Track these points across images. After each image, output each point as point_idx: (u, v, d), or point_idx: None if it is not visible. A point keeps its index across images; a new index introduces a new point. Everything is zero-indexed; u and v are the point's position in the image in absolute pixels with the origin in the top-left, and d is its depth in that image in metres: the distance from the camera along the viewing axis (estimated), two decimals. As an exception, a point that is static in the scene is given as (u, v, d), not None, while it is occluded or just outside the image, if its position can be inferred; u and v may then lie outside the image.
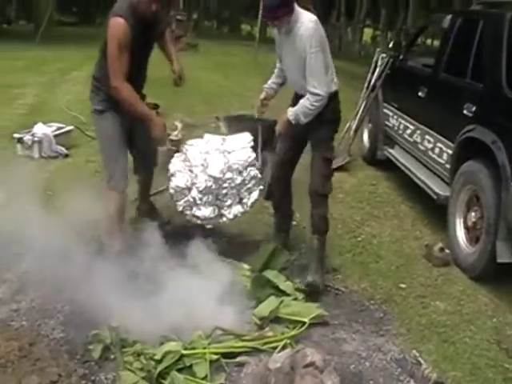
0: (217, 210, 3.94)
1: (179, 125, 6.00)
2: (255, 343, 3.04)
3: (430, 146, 5.31)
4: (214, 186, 3.85)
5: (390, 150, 6.55)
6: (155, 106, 7.90)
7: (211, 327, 3.07)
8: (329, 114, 3.73)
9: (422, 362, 3.01)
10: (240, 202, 3.98)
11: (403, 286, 3.99)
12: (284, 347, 3.04)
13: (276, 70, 4.10)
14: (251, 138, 4.10)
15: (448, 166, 4.84)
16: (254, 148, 5.64)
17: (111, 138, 3.81)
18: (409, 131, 5.98)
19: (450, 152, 4.77)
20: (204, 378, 2.76)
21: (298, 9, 3.59)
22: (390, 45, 7.60)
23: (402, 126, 6.23)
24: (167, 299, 3.21)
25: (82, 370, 2.79)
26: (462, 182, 4.48)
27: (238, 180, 3.89)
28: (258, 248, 4.04)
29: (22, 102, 8.72)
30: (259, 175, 3.99)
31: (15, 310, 3.27)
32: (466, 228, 4.43)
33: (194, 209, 3.91)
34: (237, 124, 5.99)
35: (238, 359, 2.93)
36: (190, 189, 3.90)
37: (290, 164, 4.02)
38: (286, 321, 3.30)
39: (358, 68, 15.10)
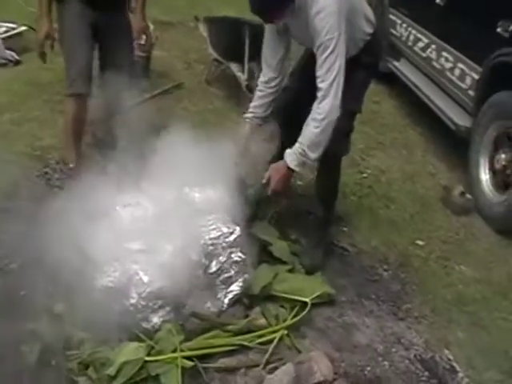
0: (172, 313, 2.32)
1: (151, 26, 4.95)
2: (242, 338, 2.32)
3: (449, 65, 4.41)
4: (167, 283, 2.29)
5: (395, 63, 5.61)
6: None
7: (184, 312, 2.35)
8: (365, 57, 2.74)
9: (458, 367, 2.35)
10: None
11: (421, 243, 3.29)
12: (281, 340, 2.37)
13: (261, 85, 2.88)
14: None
15: (472, 92, 4.01)
16: (240, 58, 4.79)
17: (71, 30, 3.15)
18: (421, 44, 5.03)
19: (476, 77, 3.91)
20: (175, 391, 2.07)
21: None
22: None
23: (412, 37, 5.26)
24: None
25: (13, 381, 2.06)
26: (491, 116, 3.68)
27: (213, 267, 2.43)
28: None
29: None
30: (243, 259, 2.50)
31: None
32: (493, 171, 3.69)
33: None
34: (219, 27, 5.02)
35: (220, 362, 2.23)
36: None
37: (304, 104, 2.63)
38: (281, 299, 2.59)
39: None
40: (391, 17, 5.77)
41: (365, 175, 3.97)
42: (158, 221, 2.44)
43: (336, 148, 2.70)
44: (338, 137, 2.68)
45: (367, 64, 2.78)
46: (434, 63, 4.69)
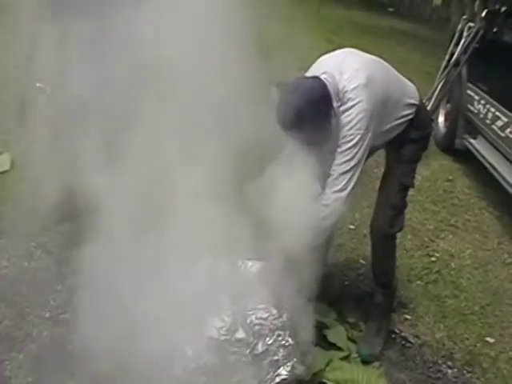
0: None
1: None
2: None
3: (530, 149, 4.21)
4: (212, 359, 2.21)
5: (472, 141, 5.41)
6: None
7: None
8: (412, 132, 2.61)
9: None
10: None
11: (491, 340, 3.03)
12: None
13: None
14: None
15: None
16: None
17: None
18: (500, 123, 4.82)
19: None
20: None
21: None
22: (483, 13, 6.30)
23: (490, 115, 5.06)
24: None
25: None
26: None
27: (259, 348, 2.29)
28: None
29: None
30: (291, 344, 2.33)
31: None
32: None
33: None
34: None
35: None
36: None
37: None
38: (333, 389, 2.41)
39: (429, 32, 13.81)
40: (469, 92, 5.61)
41: (433, 259, 3.75)
42: (207, 292, 2.36)
43: (388, 226, 2.64)
44: (391, 212, 2.63)
45: (415, 139, 2.64)
46: (514, 144, 4.47)
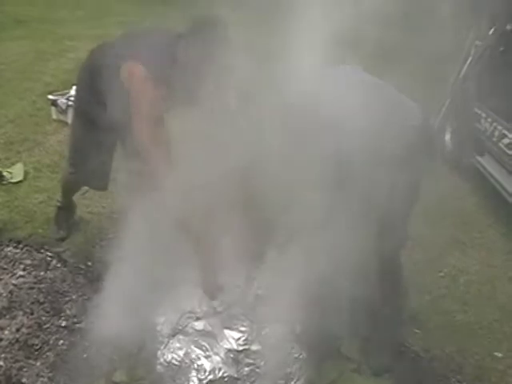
0: None
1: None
2: None
3: (537, 168, 4.26)
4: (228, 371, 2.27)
5: (479, 158, 5.47)
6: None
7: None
8: None
9: None
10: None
11: (499, 355, 3.06)
12: None
13: None
14: None
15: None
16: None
17: None
18: (506, 141, 4.88)
19: None
20: None
21: None
22: (491, 32, 6.37)
23: (497, 133, 5.11)
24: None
25: None
26: None
27: (273, 360, 2.34)
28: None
29: (72, 55, 7.88)
30: (304, 357, 2.41)
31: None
32: None
33: None
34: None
35: None
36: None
37: None
38: (345, 401, 2.45)
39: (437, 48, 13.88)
40: (476, 110, 5.66)
41: (441, 274, 3.79)
42: (223, 304, 2.41)
43: (395, 240, 2.61)
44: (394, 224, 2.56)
45: None
46: (520, 162, 4.53)
